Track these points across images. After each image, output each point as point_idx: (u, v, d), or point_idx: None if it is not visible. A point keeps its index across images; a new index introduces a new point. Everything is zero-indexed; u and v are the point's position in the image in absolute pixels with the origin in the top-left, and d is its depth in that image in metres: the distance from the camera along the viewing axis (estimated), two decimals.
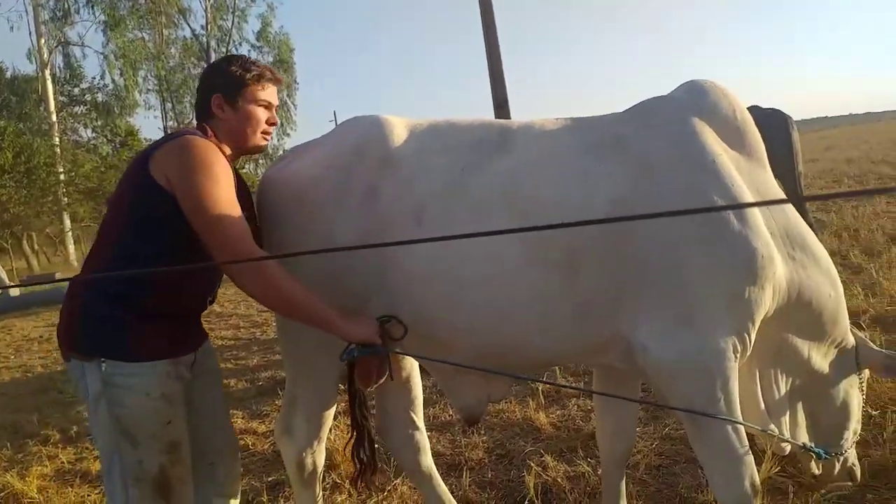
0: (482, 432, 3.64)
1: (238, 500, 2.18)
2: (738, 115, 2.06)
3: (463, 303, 1.97)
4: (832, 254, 2.76)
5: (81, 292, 1.84)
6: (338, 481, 3.16)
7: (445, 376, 2.21)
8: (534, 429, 3.62)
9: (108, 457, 1.82)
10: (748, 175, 1.98)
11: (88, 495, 3.46)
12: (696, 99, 2.07)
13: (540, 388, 4.13)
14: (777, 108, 6.60)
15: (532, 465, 3.05)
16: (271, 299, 1.85)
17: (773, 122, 6.29)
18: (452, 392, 2.24)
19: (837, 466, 2.31)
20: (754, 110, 6.55)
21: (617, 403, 2.38)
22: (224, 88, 1.97)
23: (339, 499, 3.06)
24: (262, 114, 2.01)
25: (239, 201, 1.84)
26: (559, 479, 2.94)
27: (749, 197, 1.91)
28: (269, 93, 2.03)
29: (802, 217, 2.08)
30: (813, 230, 2.15)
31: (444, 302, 1.98)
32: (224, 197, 1.78)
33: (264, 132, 2.04)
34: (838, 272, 2.18)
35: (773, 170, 2.16)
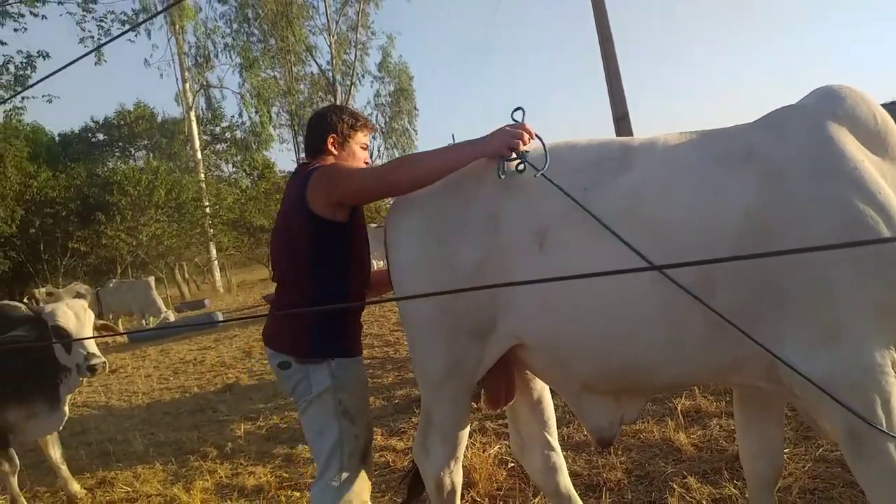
0: (619, 453, 3.57)
1: None
2: (879, 119, 1.93)
3: (588, 324, 1.95)
4: None
5: (300, 318, 2.32)
6: (476, 499, 3.20)
7: (574, 397, 2.19)
8: (674, 449, 3.50)
9: (330, 436, 2.28)
10: (894, 182, 1.85)
11: None
12: (831, 105, 1.94)
13: (679, 408, 4.00)
14: None
15: (674, 486, 2.97)
16: (423, 181, 2.15)
17: None
18: (583, 413, 2.20)
19: None
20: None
21: (760, 423, 2.28)
22: (338, 131, 2.44)
23: None
24: (362, 153, 2.51)
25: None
26: (704, 502, 2.84)
27: None
28: (367, 138, 2.57)
29: None
30: None
31: (568, 323, 1.98)
32: (357, 166, 2.38)
33: None
34: None
35: None
